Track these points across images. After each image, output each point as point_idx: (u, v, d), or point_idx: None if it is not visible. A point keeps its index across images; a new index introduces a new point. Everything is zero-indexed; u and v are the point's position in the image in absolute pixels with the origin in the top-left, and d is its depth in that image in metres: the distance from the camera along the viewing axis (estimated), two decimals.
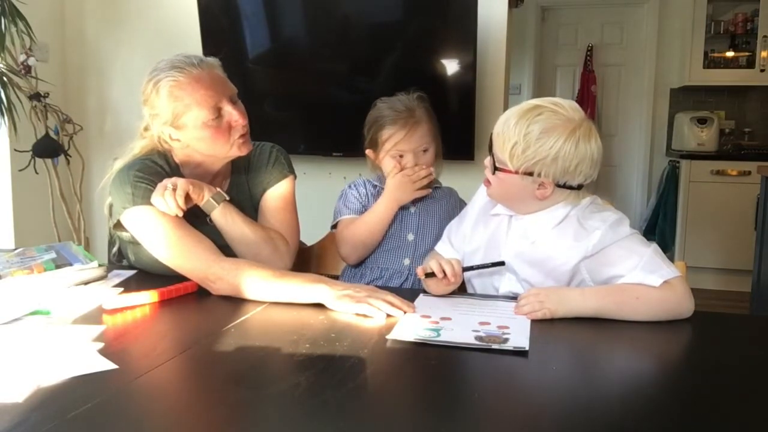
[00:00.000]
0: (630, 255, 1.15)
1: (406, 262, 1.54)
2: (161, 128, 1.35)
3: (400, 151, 1.50)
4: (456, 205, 1.59)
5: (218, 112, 1.33)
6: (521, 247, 1.25)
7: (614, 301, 1.11)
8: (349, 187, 1.61)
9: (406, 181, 1.49)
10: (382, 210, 1.51)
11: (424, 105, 1.54)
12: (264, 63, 2.91)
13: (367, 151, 1.58)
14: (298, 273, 1.27)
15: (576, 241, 1.19)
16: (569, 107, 1.19)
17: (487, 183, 1.27)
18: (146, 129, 1.40)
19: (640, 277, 1.12)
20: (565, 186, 1.20)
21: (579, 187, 1.21)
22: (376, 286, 1.22)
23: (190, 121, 1.32)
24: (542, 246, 1.22)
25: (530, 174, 1.18)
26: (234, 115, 1.34)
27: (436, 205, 1.58)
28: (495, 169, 1.22)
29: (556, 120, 1.17)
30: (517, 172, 1.19)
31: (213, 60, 1.38)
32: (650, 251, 1.15)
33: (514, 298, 1.19)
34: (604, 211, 1.22)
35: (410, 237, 1.55)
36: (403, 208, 1.55)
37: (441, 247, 1.40)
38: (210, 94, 1.31)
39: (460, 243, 1.37)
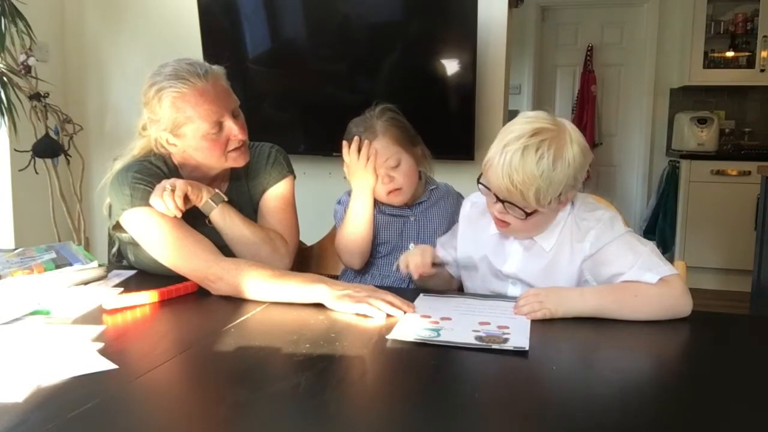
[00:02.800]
0: (627, 253, 1.15)
1: None
2: (159, 133, 1.34)
3: None
4: (455, 201, 1.58)
5: (219, 126, 1.32)
6: (526, 257, 1.25)
7: (613, 300, 1.10)
8: (347, 194, 1.60)
9: (353, 164, 1.47)
10: (355, 205, 1.49)
11: (386, 117, 1.50)
12: (264, 63, 2.90)
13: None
14: (298, 273, 1.27)
15: (575, 242, 1.19)
16: (544, 116, 1.15)
17: (504, 224, 1.20)
18: (144, 128, 1.40)
19: (638, 275, 1.12)
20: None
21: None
22: (377, 286, 1.22)
23: (190, 131, 1.31)
24: (547, 253, 1.22)
25: (558, 200, 1.16)
26: (234, 129, 1.33)
27: (434, 209, 1.56)
28: (527, 215, 1.15)
29: (551, 135, 1.12)
30: (545, 207, 1.14)
31: (218, 69, 1.36)
32: (647, 249, 1.15)
33: (513, 298, 1.19)
34: (597, 210, 1.22)
35: (411, 246, 1.54)
36: (403, 218, 1.54)
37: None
38: (213, 109, 1.30)
39: (453, 253, 1.37)
